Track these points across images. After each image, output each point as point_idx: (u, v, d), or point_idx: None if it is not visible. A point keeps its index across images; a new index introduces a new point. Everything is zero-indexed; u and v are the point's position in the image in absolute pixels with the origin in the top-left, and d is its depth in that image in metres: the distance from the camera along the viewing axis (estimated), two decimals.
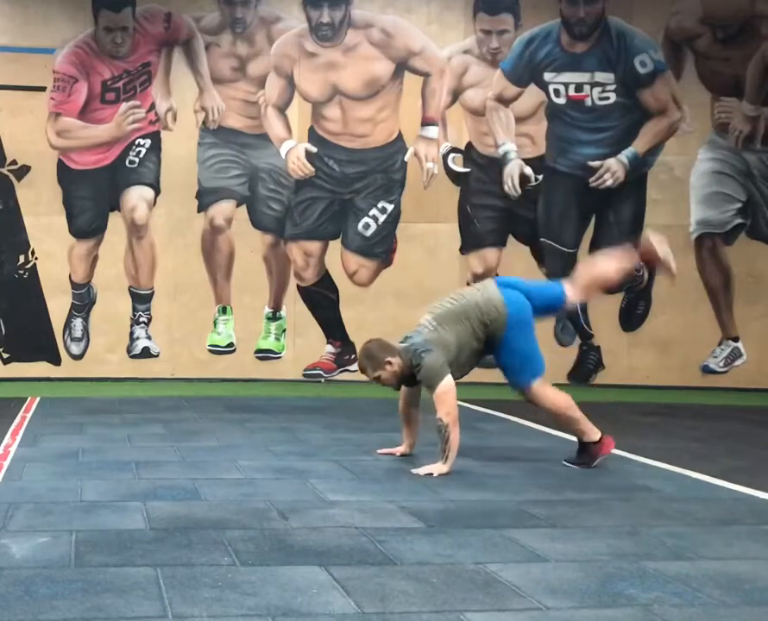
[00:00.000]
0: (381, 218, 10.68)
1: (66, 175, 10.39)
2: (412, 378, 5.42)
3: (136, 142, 10.45)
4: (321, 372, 10.67)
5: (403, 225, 10.65)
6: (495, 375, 10.56)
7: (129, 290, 10.51)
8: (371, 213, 10.68)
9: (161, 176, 10.50)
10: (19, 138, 10.25)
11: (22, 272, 10.34)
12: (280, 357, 10.67)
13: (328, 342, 10.69)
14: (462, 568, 3.51)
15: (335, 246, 10.69)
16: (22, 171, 10.30)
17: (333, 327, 10.69)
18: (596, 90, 10.63)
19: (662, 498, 4.81)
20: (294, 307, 10.66)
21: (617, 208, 10.73)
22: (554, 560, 3.65)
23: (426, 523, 4.18)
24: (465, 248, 10.73)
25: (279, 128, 10.58)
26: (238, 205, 10.62)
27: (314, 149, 10.59)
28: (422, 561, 3.59)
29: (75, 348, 10.44)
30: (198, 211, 10.58)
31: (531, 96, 10.64)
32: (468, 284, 5.65)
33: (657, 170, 10.73)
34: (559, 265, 10.69)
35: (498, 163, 10.65)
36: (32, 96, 10.25)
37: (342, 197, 10.68)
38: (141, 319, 10.50)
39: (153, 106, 10.46)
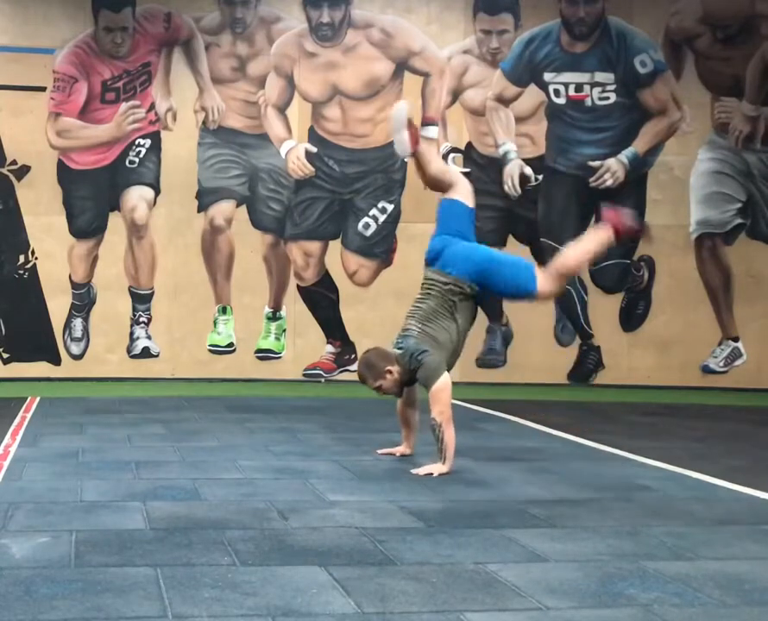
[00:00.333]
0: (381, 218, 10.69)
1: (65, 175, 10.39)
2: (411, 378, 5.42)
3: (136, 142, 10.45)
4: (321, 372, 10.67)
5: (403, 225, 10.65)
6: (495, 375, 10.66)
7: (129, 290, 10.51)
8: (371, 213, 10.68)
9: (161, 176, 10.50)
10: (19, 138, 10.25)
11: (22, 272, 10.35)
12: (280, 357, 10.67)
13: (328, 342, 10.69)
14: (462, 568, 3.51)
15: (335, 246, 10.69)
16: (22, 171, 10.30)
17: (333, 327, 10.69)
18: (596, 90, 10.63)
19: (662, 498, 4.81)
20: (294, 307, 10.66)
21: None
22: (554, 560, 3.65)
23: (426, 523, 4.18)
24: None
25: (279, 128, 10.58)
26: (238, 205, 10.62)
27: (314, 149, 10.60)
28: (422, 561, 3.59)
29: (75, 348, 10.44)
30: (198, 211, 10.58)
31: (531, 96, 10.64)
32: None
33: (657, 170, 10.73)
34: None
35: (498, 163, 10.66)
36: (32, 96, 10.25)
37: (342, 197, 10.68)
38: (141, 319, 10.50)
39: (153, 106, 10.46)
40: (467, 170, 10.69)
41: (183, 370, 10.49)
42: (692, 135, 10.72)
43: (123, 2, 10.30)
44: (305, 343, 10.65)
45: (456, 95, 10.69)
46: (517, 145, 10.63)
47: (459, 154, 10.70)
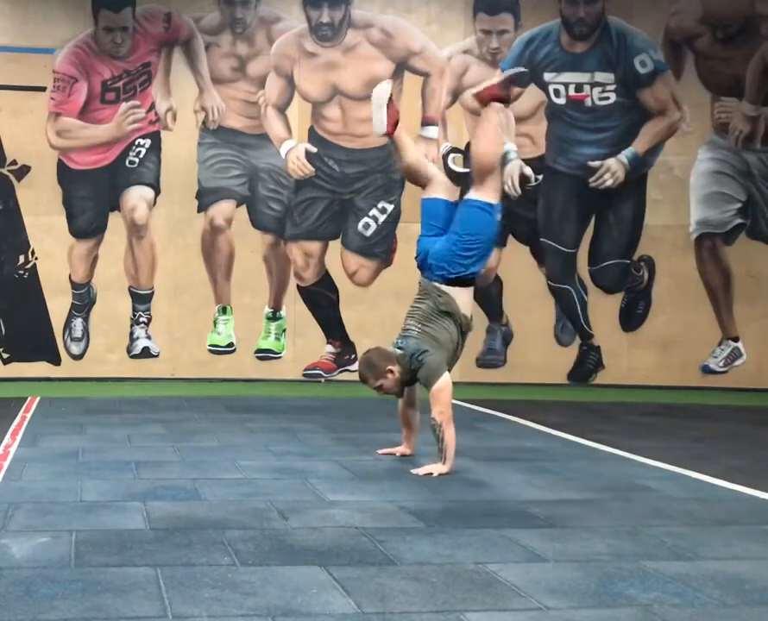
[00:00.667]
0: (381, 218, 10.69)
1: (65, 175, 10.38)
2: (412, 378, 5.42)
3: (136, 142, 10.45)
4: (321, 372, 10.67)
5: (403, 225, 10.64)
6: (495, 375, 10.66)
7: (129, 290, 10.51)
8: (371, 213, 10.68)
9: (161, 176, 10.50)
10: (19, 138, 10.25)
11: (22, 272, 10.34)
12: (280, 357, 10.67)
13: (328, 342, 10.69)
14: (462, 568, 3.51)
15: (335, 246, 10.69)
16: (22, 171, 10.30)
17: (333, 327, 10.69)
18: (596, 90, 10.63)
19: (662, 498, 4.81)
20: (294, 307, 10.66)
21: (617, 208, 10.73)
22: (554, 560, 3.65)
23: (426, 523, 4.18)
24: None
25: (279, 128, 10.58)
26: (238, 205, 10.62)
27: (314, 149, 10.59)
28: (422, 561, 3.59)
29: (75, 348, 10.43)
30: (198, 211, 10.58)
31: (532, 96, 10.64)
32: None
33: (657, 170, 10.73)
34: (559, 265, 10.72)
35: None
36: (32, 96, 10.25)
37: (342, 197, 10.68)
38: (141, 319, 10.50)
39: (153, 106, 10.46)
40: (467, 170, 10.69)
41: (183, 370, 10.49)
42: (692, 135, 10.71)
43: (123, 2, 10.30)
44: (305, 343, 10.65)
45: (456, 95, 10.69)
46: (517, 145, 10.62)
47: (459, 154, 10.70)
